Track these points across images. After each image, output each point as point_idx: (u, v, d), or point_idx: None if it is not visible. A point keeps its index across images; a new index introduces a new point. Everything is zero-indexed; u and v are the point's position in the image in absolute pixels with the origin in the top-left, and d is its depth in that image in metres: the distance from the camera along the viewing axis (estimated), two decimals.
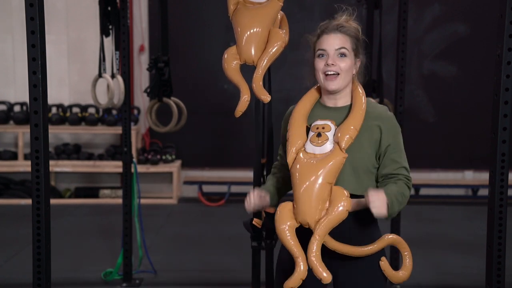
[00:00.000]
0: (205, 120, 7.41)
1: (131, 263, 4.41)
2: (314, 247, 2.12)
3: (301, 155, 2.25)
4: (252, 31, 2.50)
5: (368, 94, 4.53)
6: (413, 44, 7.13)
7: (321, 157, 2.21)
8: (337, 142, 2.22)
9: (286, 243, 2.17)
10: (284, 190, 2.47)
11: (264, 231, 2.57)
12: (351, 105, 2.33)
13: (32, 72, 2.55)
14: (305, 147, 2.26)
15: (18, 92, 7.36)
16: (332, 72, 2.26)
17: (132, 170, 4.40)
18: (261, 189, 2.40)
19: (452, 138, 7.50)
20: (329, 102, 2.36)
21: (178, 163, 7.35)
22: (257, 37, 2.50)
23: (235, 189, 7.11)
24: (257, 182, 2.83)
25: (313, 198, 2.16)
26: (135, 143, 7.07)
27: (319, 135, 2.24)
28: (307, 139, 2.27)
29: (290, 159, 2.26)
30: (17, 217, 6.31)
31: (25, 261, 4.34)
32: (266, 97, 2.49)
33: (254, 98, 2.55)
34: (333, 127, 2.27)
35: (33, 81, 2.56)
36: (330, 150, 2.22)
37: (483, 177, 7.31)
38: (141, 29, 7.40)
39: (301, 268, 2.12)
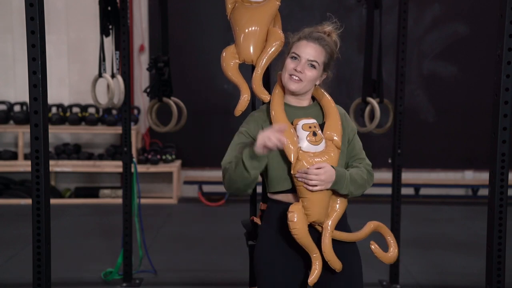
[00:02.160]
0: (205, 120, 7.42)
1: (131, 263, 4.41)
2: (327, 241, 2.33)
3: (300, 156, 2.31)
4: (250, 30, 2.50)
5: (368, 94, 4.59)
6: (413, 44, 7.13)
7: (317, 155, 2.31)
8: (330, 140, 2.34)
9: (303, 242, 2.30)
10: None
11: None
12: (315, 103, 2.46)
13: (32, 72, 2.55)
14: (301, 146, 2.32)
15: (18, 92, 7.36)
16: (296, 77, 2.35)
17: (132, 170, 4.40)
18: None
19: (452, 138, 7.50)
20: (294, 101, 2.44)
21: (178, 163, 7.35)
22: (256, 36, 2.50)
23: None
24: None
25: (326, 198, 2.32)
26: (135, 143, 7.08)
27: (314, 134, 2.32)
28: (298, 139, 2.32)
29: (293, 161, 2.32)
30: (17, 217, 6.32)
31: (25, 261, 4.34)
32: (266, 97, 2.49)
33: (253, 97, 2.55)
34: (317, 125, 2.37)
35: (33, 81, 2.56)
36: (324, 148, 2.33)
37: (483, 177, 7.31)
38: (141, 29, 7.39)
39: (319, 262, 2.34)
